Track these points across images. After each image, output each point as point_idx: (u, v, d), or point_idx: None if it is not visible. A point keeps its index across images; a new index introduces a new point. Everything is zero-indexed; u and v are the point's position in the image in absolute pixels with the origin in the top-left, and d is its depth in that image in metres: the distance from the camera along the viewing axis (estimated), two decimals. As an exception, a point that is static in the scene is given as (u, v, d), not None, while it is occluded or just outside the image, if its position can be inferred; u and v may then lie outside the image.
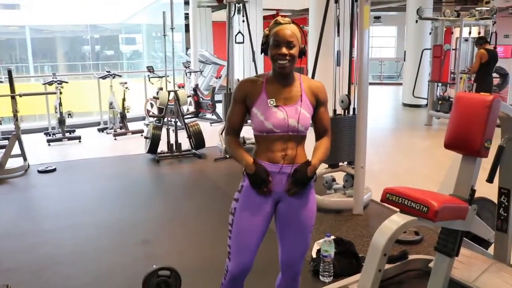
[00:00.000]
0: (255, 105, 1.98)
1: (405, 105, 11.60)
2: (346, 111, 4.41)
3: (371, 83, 18.57)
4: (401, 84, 13.80)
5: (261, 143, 2.01)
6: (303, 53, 1.98)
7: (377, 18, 18.89)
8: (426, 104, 9.69)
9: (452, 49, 9.07)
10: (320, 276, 3.00)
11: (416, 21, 9.17)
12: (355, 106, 4.16)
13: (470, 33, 9.09)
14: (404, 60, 11.63)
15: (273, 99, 1.96)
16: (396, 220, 2.57)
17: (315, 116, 2.06)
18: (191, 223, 4.05)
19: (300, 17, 18.46)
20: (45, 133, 8.12)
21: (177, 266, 2.80)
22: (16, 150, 5.84)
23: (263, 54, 2.03)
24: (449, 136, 2.23)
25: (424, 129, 8.68)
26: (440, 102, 8.63)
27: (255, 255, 2.08)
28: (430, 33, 9.21)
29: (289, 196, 2.00)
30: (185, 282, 2.79)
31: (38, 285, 3.03)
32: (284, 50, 1.90)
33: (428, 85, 9.41)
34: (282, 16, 2.15)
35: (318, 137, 2.13)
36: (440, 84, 8.83)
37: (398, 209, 2.27)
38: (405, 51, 11.60)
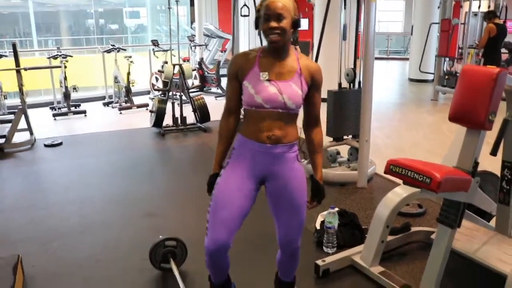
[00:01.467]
0: (246, 78, 1.91)
1: (411, 80, 11.51)
2: (351, 84, 4.39)
3: (377, 58, 18.42)
4: (407, 59, 13.67)
5: (250, 118, 1.95)
6: (296, 24, 1.87)
7: (384, -9, 18.57)
8: (433, 79, 9.61)
9: (461, 24, 8.95)
10: (324, 247, 3.04)
11: (424, -6, 9.02)
12: (361, 80, 4.14)
13: (479, 7, 8.95)
14: (411, 35, 11.48)
15: (266, 73, 1.89)
16: (399, 192, 2.61)
17: (307, 100, 1.98)
18: (196, 196, 4.08)
19: (306, -10, 18.16)
20: (50, 108, 8.15)
21: (183, 237, 2.85)
22: (22, 124, 5.88)
23: (257, 29, 1.93)
24: (454, 108, 2.23)
25: (430, 104, 8.63)
26: (446, 77, 8.55)
27: (233, 234, 1.99)
28: (438, 7, 9.08)
29: (276, 177, 2.01)
30: (190, 253, 2.85)
31: (46, 256, 3.09)
32: (274, 23, 1.81)
33: (435, 60, 9.33)
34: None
35: (307, 124, 2.07)
36: (447, 59, 8.74)
37: (401, 182, 2.29)
38: (412, 26, 11.45)
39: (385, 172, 2.23)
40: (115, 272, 2.87)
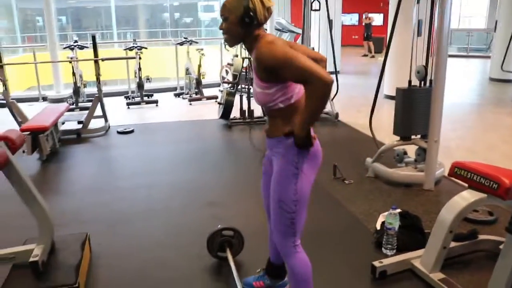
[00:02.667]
0: None
1: (492, 79, 10.83)
2: (422, 82, 4.21)
3: (456, 56, 17.57)
4: (489, 57, 12.88)
5: None
6: (244, 20, 1.79)
7: (467, -16, 17.59)
8: (516, 79, 8.99)
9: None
10: (383, 249, 2.96)
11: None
12: (432, 78, 3.95)
13: None
14: (495, 31, 10.79)
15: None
16: (466, 197, 2.47)
17: (284, 78, 1.80)
18: (257, 188, 4.12)
19: (382, -16, 17.63)
20: (125, 97, 8.55)
21: (241, 228, 2.88)
22: (98, 111, 6.22)
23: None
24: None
25: (510, 106, 8.09)
26: (531, 77, 7.97)
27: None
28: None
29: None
30: (247, 243, 2.88)
31: (112, 236, 3.26)
32: (220, 24, 1.89)
33: (519, 58, 8.72)
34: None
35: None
36: (533, 57, 8.12)
37: (467, 185, 2.17)
38: (496, 21, 10.75)
39: (449, 175, 2.12)
40: (174, 257, 2.96)
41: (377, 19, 20.76)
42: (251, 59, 1.90)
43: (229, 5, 1.84)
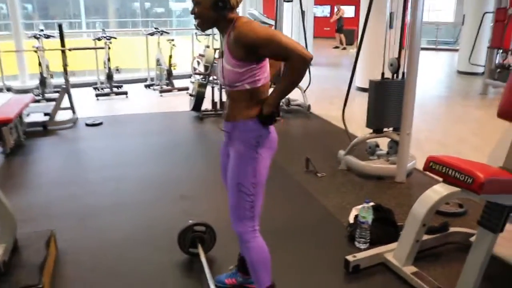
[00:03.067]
0: None
1: (460, 72, 11.04)
2: (395, 75, 4.22)
3: (425, 48, 17.85)
4: (457, 50, 13.11)
5: None
6: (216, 5, 1.81)
7: (436, -21, 17.84)
8: (483, 72, 9.18)
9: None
10: (356, 242, 2.95)
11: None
12: (405, 71, 3.97)
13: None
14: (462, 24, 10.98)
15: (218, 53, 2.00)
16: (438, 190, 2.47)
17: (263, 55, 1.86)
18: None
19: (354, -23, 17.70)
20: (93, 88, 8.33)
21: (213, 223, 2.83)
22: (65, 103, 6.03)
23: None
24: (504, 104, 2.08)
25: (478, 98, 8.25)
26: (498, 70, 8.13)
27: None
28: (493, -5, 8.62)
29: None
30: (220, 239, 2.82)
31: (80, 231, 3.16)
32: (192, 9, 1.89)
33: (487, 52, 8.89)
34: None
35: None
36: (501, 51, 8.29)
37: (441, 179, 2.16)
38: (464, 15, 10.94)
39: (424, 169, 2.11)
40: (144, 252, 2.88)
41: (348, 11, 20.88)
42: (228, 39, 1.85)
43: None
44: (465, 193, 1.94)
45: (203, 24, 1.91)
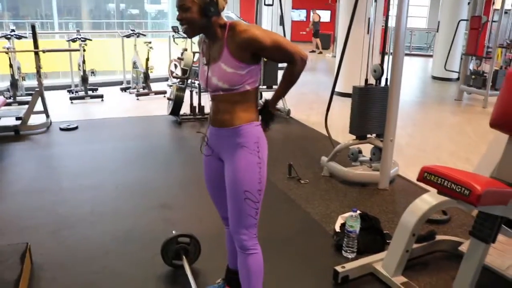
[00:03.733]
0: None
1: (434, 78, 11.23)
2: (378, 81, 4.21)
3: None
4: (431, 56, 13.35)
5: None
6: (207, 10, 1.77)
7: (410, -15, 18.12)
8: (457, 78, 9.35)
9: (493, 21, 8.63)
10: (343, 252, 2.90)
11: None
12: (387, 77, 3.96)
13: (512, 4, 8.63)
14: (437, 31, 11.17)
15: (204, 58, 1.93)
16: (428, 200, 2.45)
17: (268, 58, 1.92)
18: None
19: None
20: (68, 91, 8.10)
21: (196, 232, 2.74)
22: (39, 106, 5.82)
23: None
24: (497, 114, 2.06)
25: (453, 104, 8.38)
26: (473, 76, 8.28)
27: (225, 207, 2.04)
28: (468, 3, 8.79)
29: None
30: (204, 249, 2.73)
31: (55, 244, 3.00)
32: (179, 15, 1.81)
33: (461, 58, 9.05)
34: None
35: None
36: (475, 58, 8.45)
37: (432, 188, 2.13)
38: (439, 22, 11.14)
39: (418, 180, 2.07)
40: (125, 265, 2.76)
41: (324, 15, 21.03)
42: (227, 43, 1.81)
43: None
44: (460, 204, 1.90)
45: (192, 31, 1.84)
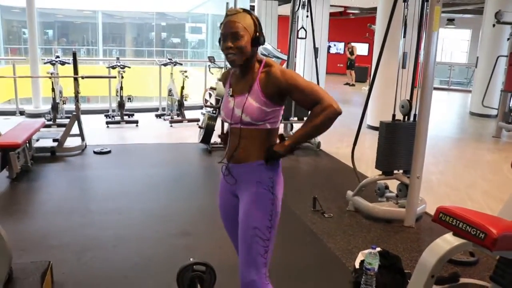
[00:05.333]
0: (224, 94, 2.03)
1: (472, 114, 10.96)
2: (406, 117, 4.16)
3: (438, 88, 17.88)
4: (470, 91, 13.07)
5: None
6: (257, 42, 1.83)
7: (450, 20, 17.98)
8: (496, 115, 9.09)
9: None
10: (361, 290, 2.83)
11: (494, 25, 8.55)
12: (416, 112, 3.91)
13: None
14: (476, 67, 10.97)
15: (231, 89, 1.93)
16: (450, 240, 2.36)
17: (298, 101, 1.87)
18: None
19: (368, 16, 17.95)
20: (105, 115, 8.37)
21: (214, 261, 2.73)
22: (75, 130, 6.04)
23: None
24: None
25: (491, 142, 8.14)
26: (512, 113, 8.05)
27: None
28: (508, 39, 8.61)
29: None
30: (220, 278, 2.72)
31: (78, 265, 3.07)
32: (229, 43, 1.81)
33: (501, 95, 8.82)
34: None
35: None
36: (514, 94, 8.22)
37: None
38: (477, 57, 10.95)
39: (433, 220, 2.02)
40: (142, 291, 2.79)
41: (362, 48, 21.06)
42: (259, 78, 1.85)
43: (244, 23, 1.81)
44: (476, 247, 1.84)
45: (242, 59, 1.84)
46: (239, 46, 1.80)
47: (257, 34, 1.83)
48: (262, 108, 1.83)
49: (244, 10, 1.85)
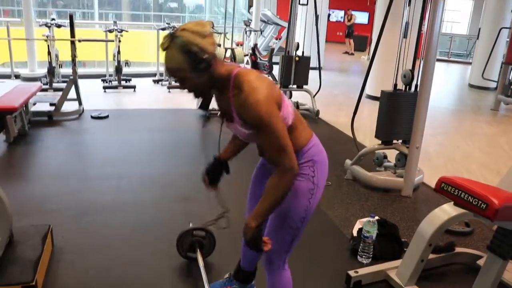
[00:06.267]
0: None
1: (471, 86, 10.93)
2: (407, 87, 4.13)
3: (437, 60, 17.85)
4: (470, 63, 12.99)
5: None
6: (201, 69, 1.54)
7: (453, -10, 17.69)
8: (495, 88, 9.07)
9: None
10: (358, 257, 2.88)
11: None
12: (418, 83, 3.88)
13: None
14: (478, 38, 10.87)
15: (220, 112, 1.80)
16: (448, 211, 2.39)
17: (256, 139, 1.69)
18: (233, 184, 3.98)
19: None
20: (102, 80, 8.28)
21: (213, 227, 2.75)
22: (72, 94, 5.98)
23: None
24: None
25: (489, 114, 8.14)
26: (512, 86, 8.03)
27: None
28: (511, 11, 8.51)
29: None
30: (219, 244, 2.75)
31: (77, 229, 3.09)
32: (182, 87, 1.63)
33: (501, 67, 8.77)
34: None
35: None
36: (515, 67, 8.18)
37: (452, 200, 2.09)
38: (479, 28, 10.83)
39: (435, 190, 2.03)
40: (141, 255, 2.81)
41: (362, 17, 20.79)
42: (233, 100, 1.61)
43: (172, 64, 1.56)
44: (477, 217, 1.85)
45: (201, 94, 1.67)
46: (188, 87, 1.62)
47: (195, 63, 1.53)
48: (251, 133, 1.65)
49: (171, 40, 1.55)
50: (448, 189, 1.91)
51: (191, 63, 1.53)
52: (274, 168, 1.62)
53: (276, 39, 11.54)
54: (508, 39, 8.78)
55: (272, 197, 1.61)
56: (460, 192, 1.84)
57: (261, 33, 11.68)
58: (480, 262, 2.68)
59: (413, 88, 4.10)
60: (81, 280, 2.53)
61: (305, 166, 1.73)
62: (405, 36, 4.67)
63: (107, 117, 5.94)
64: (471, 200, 1.79)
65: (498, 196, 1.74)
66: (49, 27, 7.73)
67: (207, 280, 2.41)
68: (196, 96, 1.66)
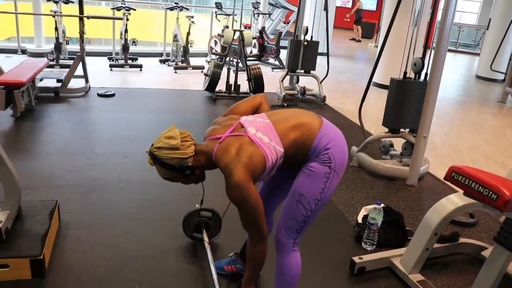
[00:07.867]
0: None
1: (479, 77, 10.86)
2: (417, 75, 4.10)
3: (445, 49, 17.52)
4: (477, 54, 12.88)
5: None
6: (183, 171, 1.86)
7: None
8: (503, 80, 9.01)
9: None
10: (363, 243, 2.89)
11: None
12: (428, 72, 3.86)
13: None
14: (487, 29, 10.75)
15: None
16: (455, 201, 2.40)
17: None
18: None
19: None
20: (108, 58, 8.25)
21: (218, 208, 2.77)
22: (79, 71, 5.96)
23: None
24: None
25: (496, 106, 8.10)
26: (520, 79, 7.97)
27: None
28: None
29: None
30: (224, 225, 2.77)
31: (83, 206, 3.10)
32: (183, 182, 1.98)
33: (510, 59, 8.71)
34: None
35: None
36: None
37: (459, 189, 2.09)
38: (490, 19, 10.71)
39: (445, 179, 2.03)
40: (147, 233, 2.83)
41: (370, 3, 20.58)
42: None
43: (164, 176, 1.92)
44: (486, 208, 1.85)
45: (198, 180, 1.98)
46: (179, 181, 1.95)
47: (181, 172, 1.85)
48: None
49: (153, 159, 1.91)
50: (458, 179, 1.91)
51: (178, 173, 1.85)
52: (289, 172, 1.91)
53: (284, 23, 11.43)
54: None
55: (252, 265, 1.91)
56: (470, 182, 1.84)
57: (269, 16, 11.58)
58: (485, 253, 2.69)
59: (422, 77, 4.07)
60: (87, 255, 2.55)
61: (321, 155, 1.78)
62: (415, 24, 4.63)
63: (113, 95, 5.93)
64: (481, 190, 1.79)
65: (509, 187, 1.74)
66: (56, 2, 7.68)
67: (213, 260, 2.43)
68: (196, 183, 1.98)
